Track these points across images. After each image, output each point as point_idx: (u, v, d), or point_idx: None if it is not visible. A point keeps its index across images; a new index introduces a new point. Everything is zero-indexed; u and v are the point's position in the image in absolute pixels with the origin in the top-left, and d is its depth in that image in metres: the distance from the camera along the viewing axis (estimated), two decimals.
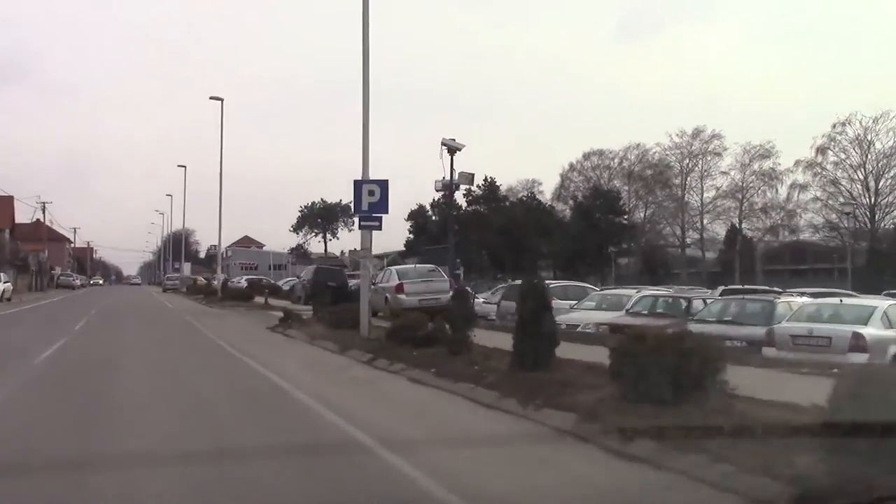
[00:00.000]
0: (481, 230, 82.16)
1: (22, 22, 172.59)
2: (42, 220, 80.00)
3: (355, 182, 17.14)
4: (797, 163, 70.19)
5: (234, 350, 17.18)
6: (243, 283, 66.08)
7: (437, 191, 33.20)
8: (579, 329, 20.26)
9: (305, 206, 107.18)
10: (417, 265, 28.29)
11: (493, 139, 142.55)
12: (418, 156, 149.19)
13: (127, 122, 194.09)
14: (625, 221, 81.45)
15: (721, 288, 31.56)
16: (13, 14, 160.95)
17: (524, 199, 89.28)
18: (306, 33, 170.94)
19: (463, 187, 33.21)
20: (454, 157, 27.64)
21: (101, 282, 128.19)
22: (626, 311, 20.86)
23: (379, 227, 17.59)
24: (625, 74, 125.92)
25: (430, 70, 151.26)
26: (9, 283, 46.01)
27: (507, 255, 75.55)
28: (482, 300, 26.96)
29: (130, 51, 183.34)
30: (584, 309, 22.70)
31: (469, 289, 24.19)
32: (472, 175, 29.81)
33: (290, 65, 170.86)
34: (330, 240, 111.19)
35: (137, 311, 35.80)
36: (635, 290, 23.77)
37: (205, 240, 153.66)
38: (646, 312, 20.05)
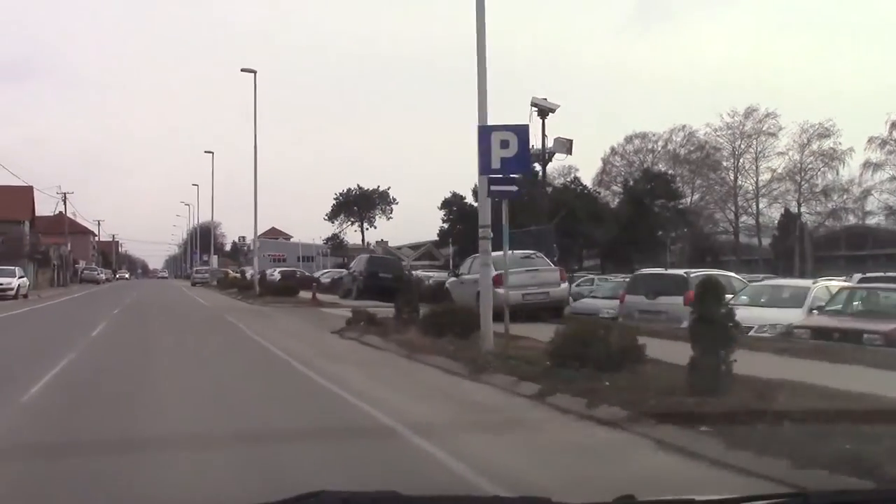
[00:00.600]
0: (529, 216, 76.50)
1: (42, 16, 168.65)
2: (64, 211, 75.54)
3: (480, 130, 11.66)
4: (870, 140, 64.30)
5: (309, 370, 12.16)
6: (276, 276, 61.61)
7: None
8: (752, 333, 15.31)
9: (341, 193, 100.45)
10: (514, 251, 22.91)
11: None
12: (450, 141, 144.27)
13: (150, 114, 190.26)
14: (680, 206, 75.91)
15: (857, 276, 26.61)
16: (35, 9, 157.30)
17: (569, 183, 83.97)
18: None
19: (558, 155, 27.44)
20: (545, 121, 22.38)
21: (127, 276, 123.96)
22: (815, 308, 15.76)
23: (516, 195, 12.36)
24: (664, 54, 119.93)
25: (452, 49, 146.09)
26: (24, 279, 41.22)
27: (560, 242, 69.98)
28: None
29: (154, 42, 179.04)
30: (744, 305, 17.45)
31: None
32: (571, 141, 24.48)
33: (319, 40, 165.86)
34: (367, 229, 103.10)
35: (167, 309, 30.91)
36: (812, 282, 18.47)
37: (230, 232, 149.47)
38: (852, 311, 14.88)
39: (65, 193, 71.64)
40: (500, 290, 19.47)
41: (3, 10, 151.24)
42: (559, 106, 22.24)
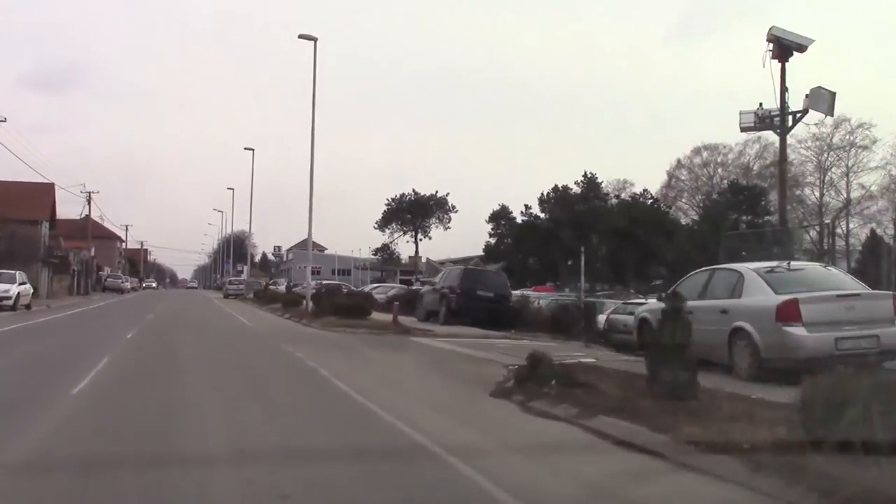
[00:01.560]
0: (591, 232, 68.60)
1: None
2: (89, 213, 67.98)
3: None
4: None
5: None
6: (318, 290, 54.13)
7: (745, 129, 19.80)
8: None
9: (393, 199, 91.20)
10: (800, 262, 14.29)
11: (571, 139, 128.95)
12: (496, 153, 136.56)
13: (181, 121, 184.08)
14: (772, 223, 67.06)
15: None
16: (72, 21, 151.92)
17: (637, 197, 75.66)
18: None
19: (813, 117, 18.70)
20: (786, 66, 14.14)
21: (154, 285, 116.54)
22: None
23: None
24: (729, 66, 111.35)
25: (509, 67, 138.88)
26: (26, 286, 33.33)
27: (628, 260, 61.50)
28: None
29: (186, 50, 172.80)
30: None
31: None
32: (834, 94, 16.05)
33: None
34: (420, 240, 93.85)
35: (201, 331, 23.09)
36: None
37: (260, 244, 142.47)
38: None
39: (90, 193, 64.21)
40: (796, 330, 11.20)
41: (41, 20, 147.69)
42: (812, 41, 14.19)
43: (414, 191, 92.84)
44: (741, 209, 65.17)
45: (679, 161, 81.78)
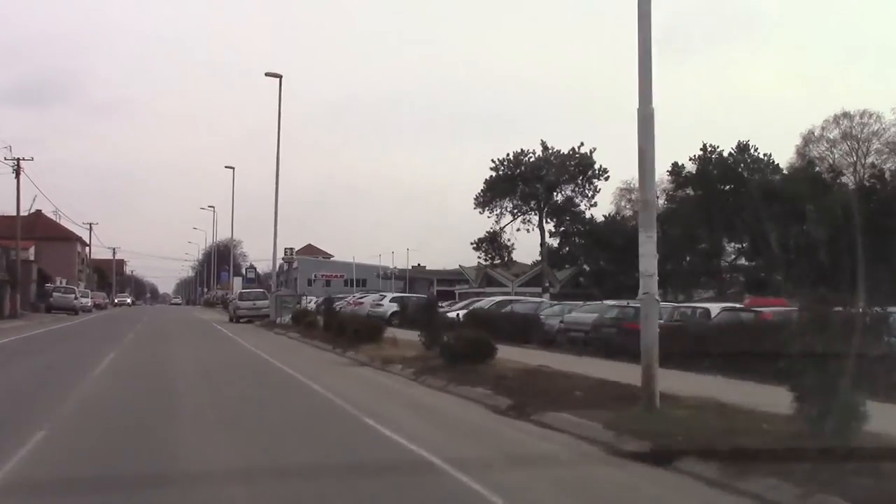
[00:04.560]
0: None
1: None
2: (17, 192, 44.78)
3: None
4: None
5: None
6: (349, 305, 35.68)
7: None
8: None
9: (500, 161, 60.90)
10: None
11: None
12: None
13: (161, 138, 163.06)
14: None
15: None
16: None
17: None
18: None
19: None
20: None
21: (129, 301, 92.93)
22: None
23: None
24: None
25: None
26: None
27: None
28: None
29: (163, 65, 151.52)
30: None
31: None
32: None
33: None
34: (528, 231, 65.20)
35: None
36: None
37: (252, 254, 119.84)
38: None
39: (18, 160, 40.99)
40: None
41: (23, 36, 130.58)
42: None
43: (543, 142, 59.66)
44: None
45: (811, 132, 59.59)
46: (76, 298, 44.95)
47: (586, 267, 67.24)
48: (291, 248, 66.71)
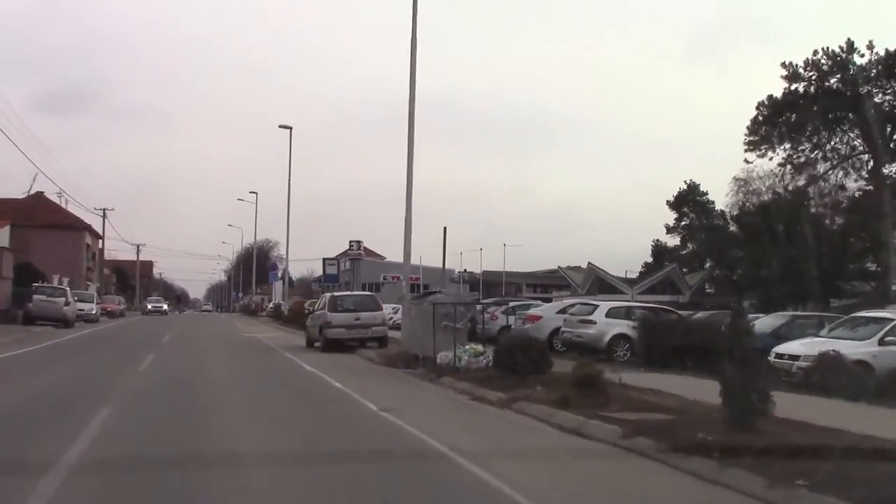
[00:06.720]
0: None
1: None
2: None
3: None
4: None
5: None
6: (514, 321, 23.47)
7: None
8: None
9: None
10: None
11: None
12: None
13: (194, 146, 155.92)
14: None
15: None
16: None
17: None
18: None
19: None
20: None
21: (164, 307, 70.70)
22: None
23: None
24: None
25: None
26: None
27: None
28: None
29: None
30: None
31: None
32: None
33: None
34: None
35: None
36: None
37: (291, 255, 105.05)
38: None
39: None
40: None
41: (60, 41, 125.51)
42: None
43: (871, 42, 38.63)
44: None
45: None
46: (67, 304, 29.94)
47: (737, 271, 51.07)
48: (358, 241, 51.77)
